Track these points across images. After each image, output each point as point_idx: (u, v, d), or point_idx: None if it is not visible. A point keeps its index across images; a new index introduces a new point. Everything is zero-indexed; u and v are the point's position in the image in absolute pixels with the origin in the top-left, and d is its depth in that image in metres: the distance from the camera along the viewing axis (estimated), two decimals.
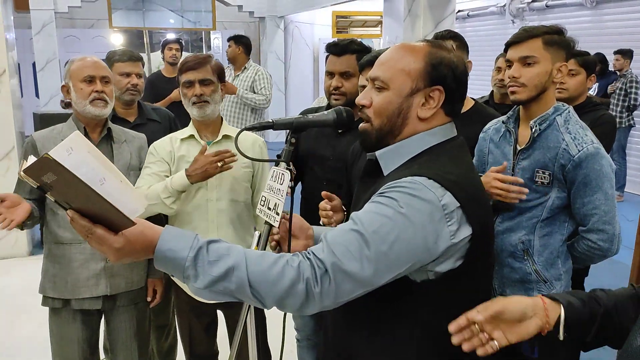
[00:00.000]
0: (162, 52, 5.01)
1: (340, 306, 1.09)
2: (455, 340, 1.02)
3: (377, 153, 1.24)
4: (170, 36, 13.15)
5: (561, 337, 1.05)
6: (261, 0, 10.33)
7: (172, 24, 13.13)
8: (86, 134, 2.07)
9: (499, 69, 3.13)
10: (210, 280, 0.99)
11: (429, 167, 1.14)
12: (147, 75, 5.24)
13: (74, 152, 0.91)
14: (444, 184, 1.09)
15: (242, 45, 4.81)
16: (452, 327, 1.02)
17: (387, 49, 1.28)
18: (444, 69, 1.18)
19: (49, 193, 0.94)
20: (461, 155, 1.22)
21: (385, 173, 1.22)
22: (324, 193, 1.68)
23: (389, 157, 1.22)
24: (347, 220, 1.70)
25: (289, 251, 1.31)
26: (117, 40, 12.38)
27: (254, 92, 4.72)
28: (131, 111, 2.69)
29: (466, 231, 1.10)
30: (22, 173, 0.93)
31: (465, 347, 1.02)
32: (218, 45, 12.03)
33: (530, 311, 1.03)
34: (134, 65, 2.66)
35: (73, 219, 0.96)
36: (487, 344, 1.01)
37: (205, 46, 14.48)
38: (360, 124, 1.25)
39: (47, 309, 2.13)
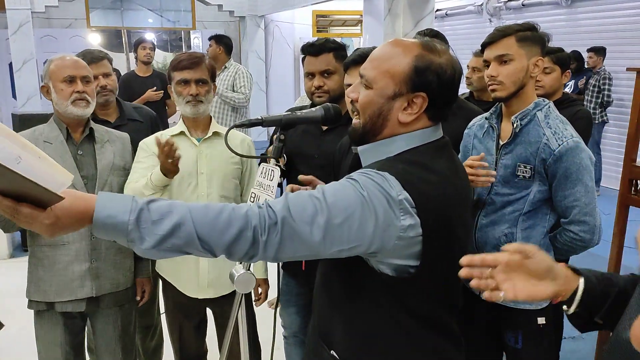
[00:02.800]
0: (135, 51, 4.98)
1: (325, 292, 1.14)
2: (463, 273, 1.00)
3: (359, 149, 1.26)
4: (149, 36, 13.01)
5: (571, 311, 1.03)
6: None
7: (151, 23, 13.01)
8: (68, 134, 2.05)
9: (474, 69, 3.20)
10: (157, 239, 0.98)
11: (394, 166, 1.15)
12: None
13: None
14: (403, 183, 1.11)
15: (223, 45, 4.82)
16: (463, 260, 1.00)
17: (373, 48, 1.29)
18: (430, 75, 1.17)
19: None
20: (433, 158, 1.21)
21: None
22: (300, 177, 1.63)
23: (367, 155, 1.25)
24: None
25: None
26: (95, 40, 12.21)
27: (234, 91, 4.74)
28: (111, 111, 2.64)
29: (416, 232, 1.11)
30: None
31: (474, 283, 1.00)
32: (198, 44, 11.95)
33: (554, 273, 0.99)
34: (97, 66, 2.56)
35: None
36: (494, 290, 0.97)
37: (185, 46, 14.36)
38: (354, 118, 1.27)
39: (31, 310, 2.10)
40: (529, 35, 1.81)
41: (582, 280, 1.03)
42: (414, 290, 1.18)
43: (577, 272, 1.05)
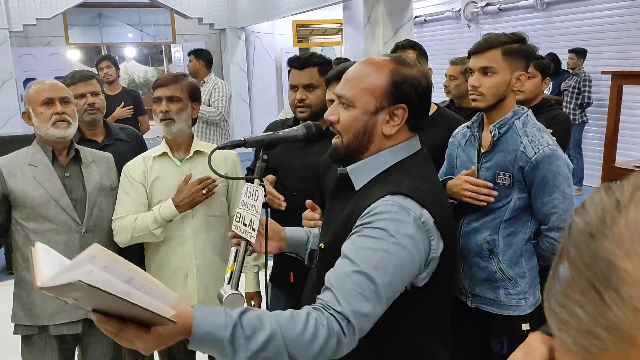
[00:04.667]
0: (97, 72, 4.92)
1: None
2: None
3: (348, 169, 1.28)
4: (129, 51, 12.94)
5: None
6: (221, 12, 10.31)
7: (131, 38, 12.99)
8: (54, 157, 2.05)
9: (451, 77, 3.25)
10: (249, 355, 1.02)
11: (403, 183, 1.20)
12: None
13: (99, 264, 0.89)
14: (420, 201, 1.16)
15: (203, 59, 4.80)
16: None
17: (353, 63, 1.32)
18: (407, 87, 1.23)
19: (71, 302, 0.93)
20: (427, 170, 1.29)
21: (357, 187, 1.27)
22: (308, 202, 1.73)
23: (359, 173, 1.27)
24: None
25: (266, 254, 1.37)
26: (74, 57, 12.15)
27: (209, 106, 4.70)
28: (98, 131, 2.65)
29: (441, 245, 1.18)
30: (38, 285, 0.91)
31: None
32: (179, 58, 11.94)
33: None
34: (86, 84, 2.59)
35: (100, 321, 0.94)
36: None
37: (166, 59, 14.35)
38: (333, 139, 1.29)
39: (16, 336, 2.08)
40: (516, 48, 1.82)
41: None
42: (421, 300, 1.22)
43: (549, 334, 1.08)
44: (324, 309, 1.09)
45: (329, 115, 1.27)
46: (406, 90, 1.22)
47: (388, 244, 1.11)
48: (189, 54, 4.88)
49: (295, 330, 1.04)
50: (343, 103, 1.25)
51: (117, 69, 4.83)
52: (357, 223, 1.18)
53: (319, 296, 1.13)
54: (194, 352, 2.42)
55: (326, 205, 1.44)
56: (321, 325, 1.06)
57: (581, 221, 0.42)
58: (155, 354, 2.45)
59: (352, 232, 1.18)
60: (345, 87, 1.25)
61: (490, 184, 1.82)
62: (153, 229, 2.00)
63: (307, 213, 1.73)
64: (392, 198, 1.16)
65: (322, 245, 1.30)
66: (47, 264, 1.01)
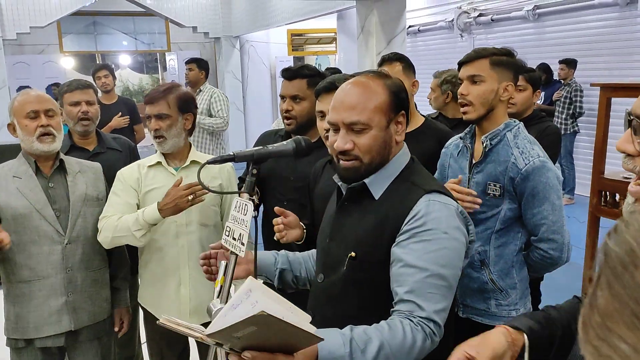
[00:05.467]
0: (94, 81, 4.92)
1: (336, 307, 1.34)
2: None
3: (367, 181, 1.35)
4: (123, 59, 12.95)
5: None
6: (216, 20, 10.34)
7: (126, 46, 13.00)
8: (37, 169, 2.04)
9: (432, 89, 3.29)
10: None
11: (427, 182, 1.34)
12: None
13: (257, 297, 0.96)
14: (448, 194, 1.33)
15: (204, 69, 4.84)
16: None
17: (343, 75, 1.35)
18: (402, 93, 1.35)
19: (227, 346, 0.98)
20: (425, 169, 1.42)
21: (377, 197, 1.35)
22: (276, 209, 1.75)
23: (377, 183, 1.35)
24: (304, 238, 1.77)
25: (255, 263, 1.40)
26: (68, 65, 12.13)
27: (211, 116, 4.71)
28: (90, 140, 2.64)
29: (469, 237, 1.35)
30: (203, 337, 0.97)
31: None
32: (174, 66, 11.96)
33: (508, 348, 1.06)
34: (82, 93, 2.59)
35: (254, 358, 1.00)
36: None
37: (161, 67, 14.35)
38: (344, 162, 1.33)
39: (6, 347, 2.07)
40: (503, 60, 1.87)
41: (525, 337, 1.09)
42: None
43: (518, 329, 1.11)
44: (411, 317, 1.19)
45: (343, 145, 1.31)
46: (402, 96, 1.35)
47: (445, 240, 1.24)
48: (188, 62, 4.86)
49: (397, 339, 1.15)
50: (355, 129, 1.30)
51: (114, 78, 4.84)
52: (405, 228, 1.27)
53: (396, 308, 1.23)
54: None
55: (334, 217, 1.45)
56: (417, 331, 1.17)
57: (620, 249, 0.39)
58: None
59: (402, 238, 1.26)
60: (353, 113, 1.30)
61: (475, 192, 1.84)
62: (134, 230, 1.95)
63: (275, 219, 1.77)
64: (430, 197, 1.28)
65: (353, 254, 1.34)
66: (182, 323, 1.10)
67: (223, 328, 0.92)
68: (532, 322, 1.10)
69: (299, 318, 1.00)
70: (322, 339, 1.03)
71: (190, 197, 1.92)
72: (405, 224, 1.27)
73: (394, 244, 1.28)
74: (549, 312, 1.14)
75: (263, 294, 0.99)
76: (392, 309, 1.24)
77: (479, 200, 1.83)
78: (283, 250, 1.63)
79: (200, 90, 4.76)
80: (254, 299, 0.96)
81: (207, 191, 1.94)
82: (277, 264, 1.57)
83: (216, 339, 0.98)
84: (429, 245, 1.23)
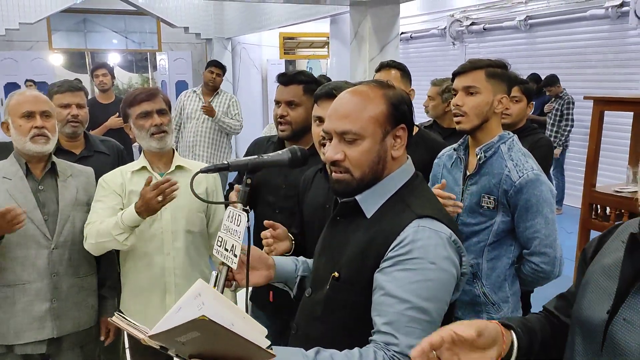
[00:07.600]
0: (92, 79, 4.91)
1: (324, 324, 1.27)
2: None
3: (358, 197, 1.27)
4: (113, 57, 12.85)
5: None
6: (207, 21, 10.29)
7: (116, 44, 12.88)
8: (28, 171, 1.99)
9: (429, 97, 3.28)
10: None
11: (422, 205, 1.23)
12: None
13: (204, 301, 0.92)
14: (444, 221, 1.20)
15: (225, 74, 5.07)
16: (415, 352, 0.99)
17: (344, 82, 1.31)
18: (403, 106, 1.26)
19: (172, 351, 0.94)
20: (429, 190, 1.33)
21: (368, 215, 1.26)
22: (266, 222, 1.70)
23: (369, 200, 1.27)
24: (292, 250, 1.74)
25: (247, 285, 1.31)
26: (57, 62, 12.00)
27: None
28: (77, 143, 2.59)
29: (465, 260, 1.24)
30: (145, 339, 0.92)
31: None
32: (164, 65, 11.86)
33: (497, 340, 1.02)
34: (73, 95, 2.55)
35: None
36: None
37: (151, 66, 14.24)
38: (335, 174, 1.27)
39: None
40: (498, 72, 1.86)
41: (513, 334, 1.06)
42: (447, 319, 1.23)
43: (507, 326, 1.08)
44: (385, 349, 1.12)
45: (333, 155, 1.25)
46: (403, 109, 1.25)
47: (431, 272, 1.14)
48: (214, 67, 4.96)
49: None
50: (348, 139, 1.23)
51: (113, 77, 4.82)
52: (390, 255, 1.17)
53: (373, 338, 1.15)
54: None
55: (324, 231, 1.40)
56: None
57: None
58: None
59: (386, 264, 1.17)
60: (345, 122, 1.23)
61: (454, 196, 1.81)
62: (115, 235, 1.89)
63: (264, 232, 1.71)
64: (421, 222, 1.18)
65: (336, 274, 1.27)
66: (132, 322, 1.05)
67: (164, 330, 0.87)
68: (517, 324, 1.09)
69: (251, 329, 0.95)
70: (274, 355, 0.96)
71: (159, 198, 1.84)
72: (390, 250, 1.17)
73: (377, 270, 1.19)
74: (530, 321, 1.13)
75: (213, 298, 0.94)
76: (370, 337, 1.17)
77: (460, 204, 1.80)
78: (302, 257, 1.58)
79: (218, 93, 5.03)
80: (200, 302, 0.91)
81: (176, 188, 1.86)
82: (298, 270, 1.50)
83: (160, 342, 0.93)
84: (413, 275, 1.14)
